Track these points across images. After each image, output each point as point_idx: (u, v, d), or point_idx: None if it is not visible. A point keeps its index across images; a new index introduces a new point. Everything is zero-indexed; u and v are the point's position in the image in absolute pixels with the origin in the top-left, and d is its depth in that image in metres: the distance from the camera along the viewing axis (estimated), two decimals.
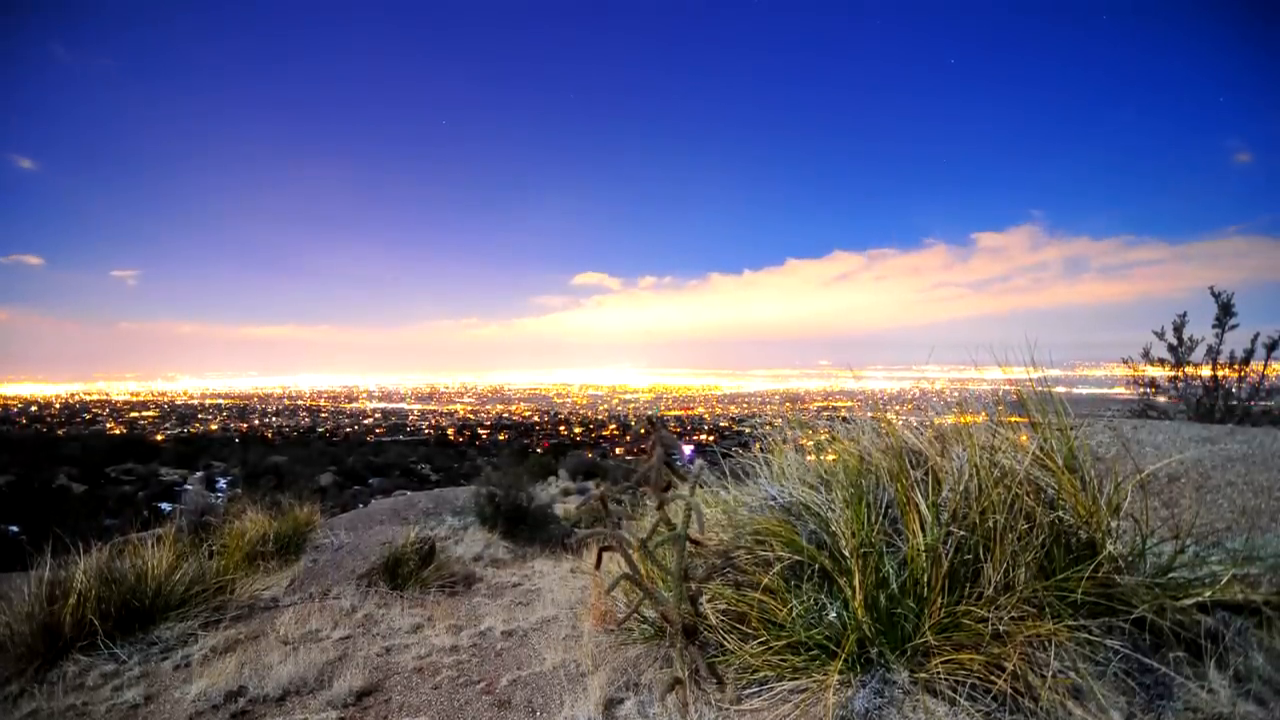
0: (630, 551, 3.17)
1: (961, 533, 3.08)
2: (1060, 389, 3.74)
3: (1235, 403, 8.28)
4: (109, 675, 4.16)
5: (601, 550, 3.63)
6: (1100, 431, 5.68)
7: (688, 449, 4.04)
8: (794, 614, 3.20)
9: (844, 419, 4.34)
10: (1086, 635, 2.71)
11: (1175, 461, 4.83)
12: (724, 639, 3.32)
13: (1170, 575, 3.00)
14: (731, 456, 4.61)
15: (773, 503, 3.93)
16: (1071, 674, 2.60)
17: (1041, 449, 3.35)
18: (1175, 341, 8.88)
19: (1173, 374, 8.93)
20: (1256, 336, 8.34)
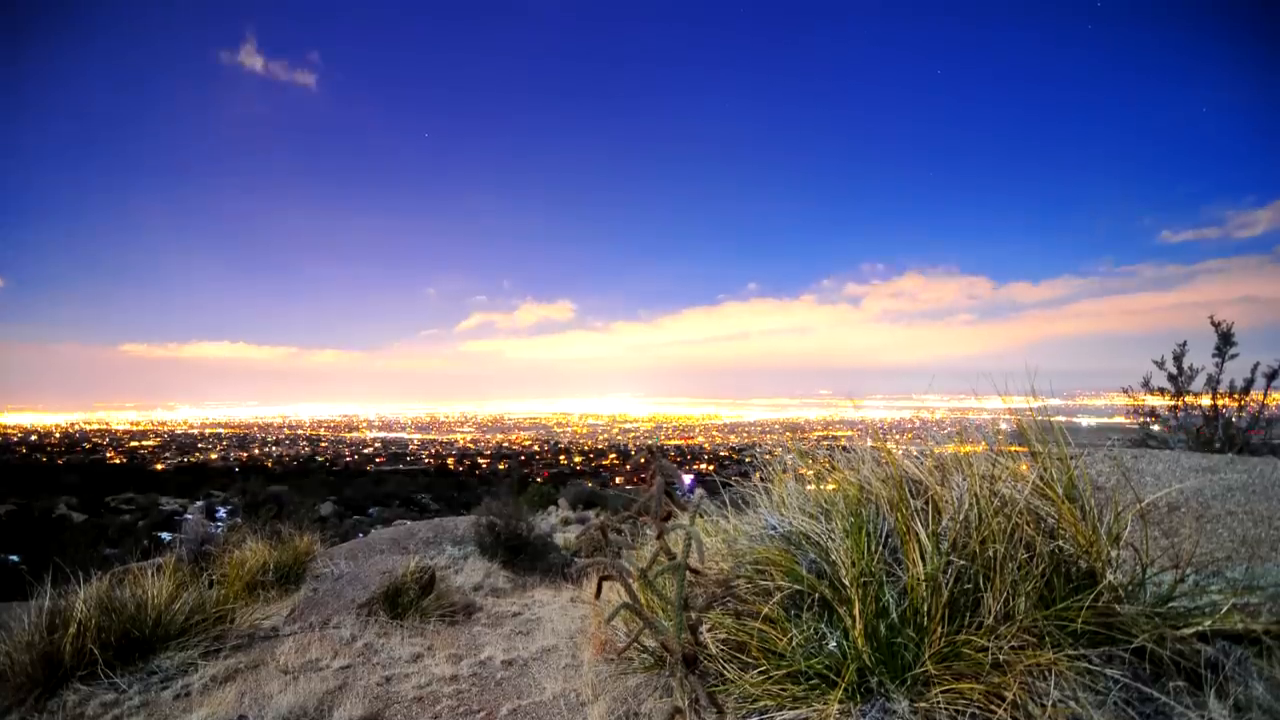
0: (630, 581, 3.18)
1: (961, 562, 3.09)
2: (1060, 418, 3.76)
3: (1235, 432, 8.29)
4: (109, 704, 4.15)
5: (601, 580, 3.64)
6: (1100, 461, 5.69)
7: (688, 478, 4.07)
8: (794, 643, 3.20)
9: (844, 448, 4.35)
10: (1086, 665, 2.72)
11: (1175, 491, 4.84)
12: (724, 668, 3.32)
13: (1170, 605, 3.00)
14: (731, 486, 4.63)
15: (773, 532, 3.94)
16: (1071, 703, 2.60)
17: (1041, 478, 3.36)
18: (1175, 371, 8.91)
19: (1173, 403, 8.95)
20: (1256, 366, 8.36)
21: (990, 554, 3.07)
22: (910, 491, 3.52)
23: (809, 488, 4.34)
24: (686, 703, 3.00)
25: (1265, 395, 8.26)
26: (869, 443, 4.20)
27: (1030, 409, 3.77)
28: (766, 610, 3.38)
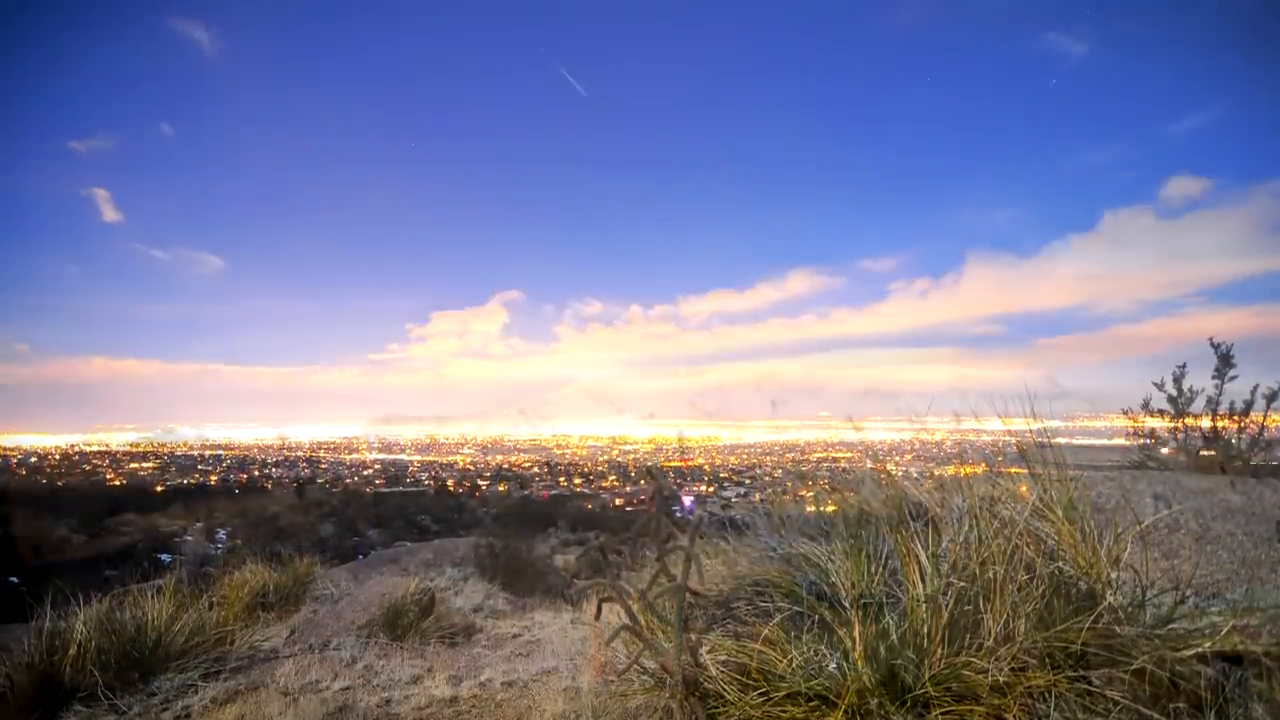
0: (630, 602, 3.18)
1: (961, 583, 3.09)
2: (1060, 440, 3.77)
3: (1235, 454, 8.29)
4: None
5: (601, 601, 3.64)
6: (1100, 482, 5.70)
7: (688, 500, 4.07)
8: (794, 665, 3.20)
9: (844, 470, 4.37)
10: (1086, 686, 2.72)
11: (1175, 512, 4.85)
12: (724, 689, 3.32)
13: (1170, 626, 3.00)
14: (731, 507, 4.64)
15: (773, 553, 3.94)
16: None
17: (1041, 500, 3.37)
18: (1175, 392, 8.91)
19: (1172, 425, 8.94)
20: (1256, 388, 8.36)
21: (990, 575, 3.07)
22: (910, 513, 3.53)
23: (809, 509, 4.35)
24: None
25: (1265, 417, 8.25)
26: (869, 464, 4.22)
27: (1030, 431, 3.78)
28: (766, 632, 3.38)
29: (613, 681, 4.14)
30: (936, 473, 4.04)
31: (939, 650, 2.96)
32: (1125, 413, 9.42)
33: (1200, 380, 8.77)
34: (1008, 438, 3.95)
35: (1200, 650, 2.85)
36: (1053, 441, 3.72)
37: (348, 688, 4.61)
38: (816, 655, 3.21)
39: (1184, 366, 8.91)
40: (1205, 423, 8.69)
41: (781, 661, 3.24)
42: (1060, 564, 3.13)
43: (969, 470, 4.01)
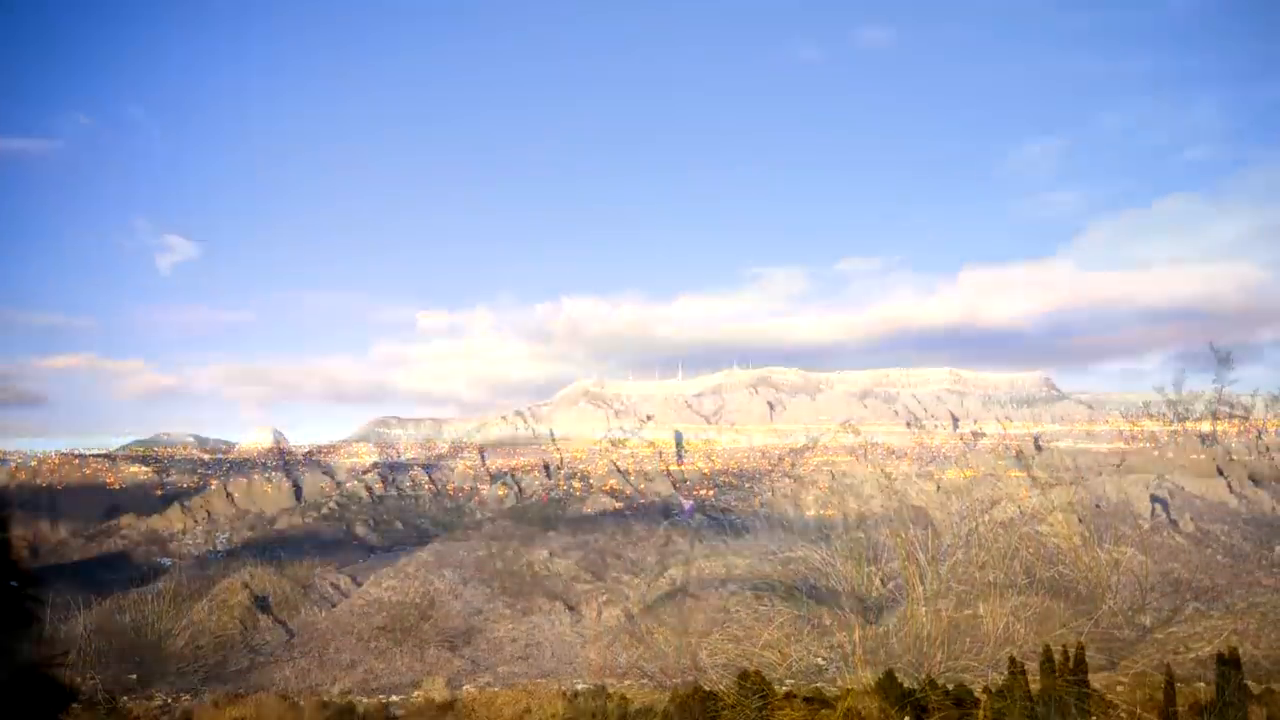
0: (630, 606, 3.18)
1: (961, 587, 3.09)
2: (1060, 443, 3.77)
3: (1235, 457, 8.31)
4: None
5: (601, 604, 3.63)
6: (1099, 485, 5.69)
7: (687, 503, 4.07)
8: (794, 667, 3.19)
9: (843, 473, 4.36)
10: (1086, 690, 2.71)
11: (1174, 515, 4.83)
12: (724, 691, 3.31)
13: (1170, 630, 3.00)
14: (731, 511, 4.63)
15: (772, 556, 3.94)
16: None
17: (1040, 503, 3.36)
18: (1175, 396, 8.93)
19: (1172, 428, 8.96)
20: (1256, 391, 8.38)
21: (990, 579, 3.07)
22: (910, 516, 3.52)
23: (808, 513, 4.35)
24: None
25: (1265, 420, 8.26)
26: (869, 468, 4.21)
27: (1029, 434, 3.77)
28: (766, 635, 3.38)
29: (612, 684, 4.13)
30: (936, 476, 4.03)
31: (938, 654, 2.96)
32: (1125, 416, 9.44)
33: (1200, 384, 8.79)
34: (1007, 441, 3.94)
35: (1200, 653, 2.84)
36: (1052, 445, 3.72)
37: (347, 690, 4.61)
38: (816, 658, 3.21)
39: (1184, 371, 8.94)
40: (1205, 426, 8.72)
41: (781, 664, 3.23)
42: (1060, 567, 3.13)
43: (969, 474, 4.00)
